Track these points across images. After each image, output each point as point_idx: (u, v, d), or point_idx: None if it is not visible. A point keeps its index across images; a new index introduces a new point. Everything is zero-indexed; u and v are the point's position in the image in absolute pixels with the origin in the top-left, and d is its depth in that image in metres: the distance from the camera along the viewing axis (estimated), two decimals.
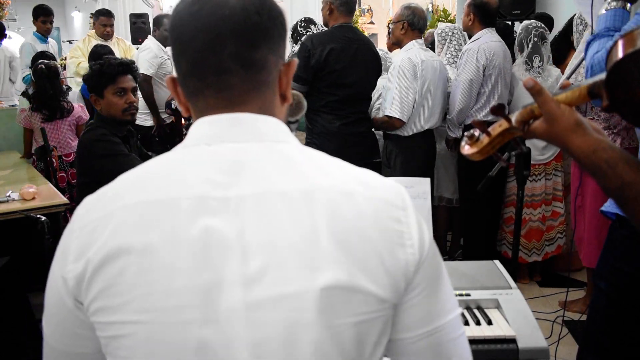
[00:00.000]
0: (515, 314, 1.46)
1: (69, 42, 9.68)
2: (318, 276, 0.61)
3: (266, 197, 0.63)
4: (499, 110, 0.91)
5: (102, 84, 2.37)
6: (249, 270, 0.62)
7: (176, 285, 0.62)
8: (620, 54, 0.79)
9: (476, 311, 1.51)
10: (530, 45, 3.24)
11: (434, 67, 3.16)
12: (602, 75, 0.83)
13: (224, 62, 0.67)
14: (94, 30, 5.13)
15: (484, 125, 0.93)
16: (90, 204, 0.70)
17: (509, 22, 4.24)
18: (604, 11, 1.66)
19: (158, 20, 4.50)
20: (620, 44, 0.79)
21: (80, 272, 0.65)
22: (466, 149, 0.96)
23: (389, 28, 3.40)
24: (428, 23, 3.38)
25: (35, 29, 5.17)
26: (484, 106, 3.24)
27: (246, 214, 0.63)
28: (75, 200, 3.06)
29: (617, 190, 0.81)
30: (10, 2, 6.92)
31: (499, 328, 1.41)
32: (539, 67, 3.26)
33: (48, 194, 2.84)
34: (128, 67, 2.45)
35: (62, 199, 2.75)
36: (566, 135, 0.85)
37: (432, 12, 8.33)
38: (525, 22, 3.35)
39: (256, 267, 0.62)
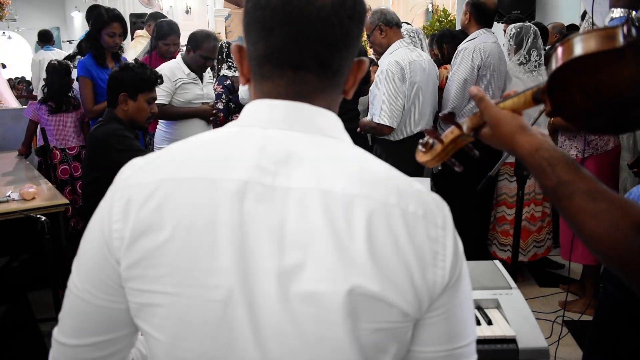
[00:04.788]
0: (515, 314, 1.46)
1: (69, 42, 9.70)
2: (348, 281, 0.62)
3: (310, 194, 0.64)
4: (449, 118, 0.94)
5: (141, 88, 2.48)
6: (285, 263, 0.63)
7: (216, 265, 0.63)
8: (559, 61, 0.81)
9: (476, 311, 1.51)
10: (529, 41, 3.25)
11: (423, 67, 3.07)
12: (544, 82, 0.85)
13: (305, 59, 0.67)
14: (144, 31, 4.72)
15: (436, 133, 0.96)
16: (137, 166, 0.70)
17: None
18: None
19: (196, 41, 3.21)
20: (559, 50, 0.81)
21: (121, 236, 0.66)
22: (420, 156, 0.98)
23: (369, 43, 3.15)
24: (428, 23, 3.38)
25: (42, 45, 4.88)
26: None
27: (288, 207, 0.63)
28: (82, 198, 3.05)
29: (553, 188, 0.83)
30: (10, 2, 6.93)
31: (499, 328, 1.41)
32: (536, 60, 3.26)
33: (48, 194, 2.84)
34: (160, 81, 2.60)
35: (62, 199, 2.75)
36: (510, 137, 0.88)
37: (432, 12, 8.33)
38: (517, 23, 3.37)
39: (292, 261, 0.62)
